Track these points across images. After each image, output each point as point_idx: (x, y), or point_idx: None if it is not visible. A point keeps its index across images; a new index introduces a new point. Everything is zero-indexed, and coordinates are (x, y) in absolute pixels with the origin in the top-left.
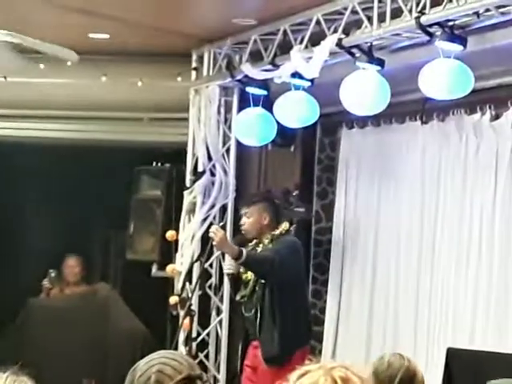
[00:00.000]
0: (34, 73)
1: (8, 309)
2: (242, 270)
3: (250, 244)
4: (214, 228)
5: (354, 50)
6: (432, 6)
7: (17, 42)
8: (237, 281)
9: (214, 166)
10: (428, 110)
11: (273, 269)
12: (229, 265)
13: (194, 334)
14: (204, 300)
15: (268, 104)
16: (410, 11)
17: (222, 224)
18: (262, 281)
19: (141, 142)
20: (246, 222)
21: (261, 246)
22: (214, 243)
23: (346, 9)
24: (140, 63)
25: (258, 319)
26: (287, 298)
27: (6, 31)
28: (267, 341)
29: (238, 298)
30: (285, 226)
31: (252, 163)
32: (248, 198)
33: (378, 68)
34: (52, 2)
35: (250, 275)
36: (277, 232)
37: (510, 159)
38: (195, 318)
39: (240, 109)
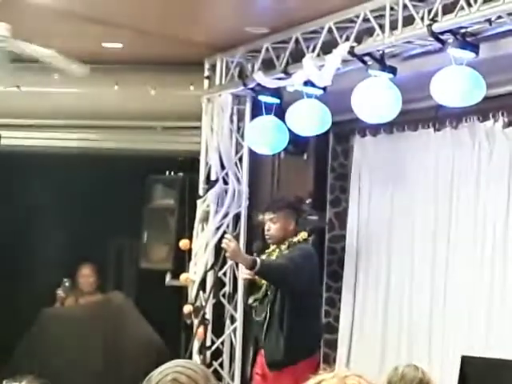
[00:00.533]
0: (48, 82)
1: (22, 318)
2: None
3: (267, 251)
4: (226, 239)
5: (366, 58)
6: (444, 14)
7: (27, 53)
8: (252, 285)
9: (226, 174)
10: (441, 118)
11: (286, 277)
12: (246, 274)
13: (208, 343)
14: (218, 308)
15: (280, 112)
16: (422, 19)
17: (235, 233)
18: None
19: (154, 150)
20: (273, 227)
21: (277, 251)
22: (226, 254)
23: (357, 17)
24: (153, 72)
25: (266, 323)
26: (298, 305)
27: (19, 40)
28: (272, 345)
29: (250, 301)
30: (303, 234)
31: (265, 172)
32: (273, 204)
33: (390, 76)
34: (65, 11)
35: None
36: (295, 239)
37: None
38: (209, 327)
39: (252, 117)
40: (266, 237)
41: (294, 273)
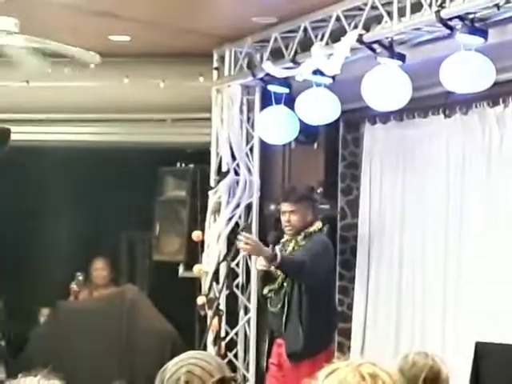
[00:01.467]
0: (56, 77)
1: (37, 312)
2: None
3: (282, 240)
4: (243, 238)
5: (375, 46)
6: (452, 0)
7: (40, 47)
8: (266, 275)
9: (237, 165)
10: (450, 104)
11: (304, 271)
12: (261, 265)
13: (222, 334)
14: (231, 299)
15: (290, 102)
16: (430, 5)
17: (245, 225)
18: None
19: (164, 142)
20: (293, 218)
21: (293, 242)
22: (245, 252)
23: (365, 4)
24: (161, 64)
25: (285, 315)
26: (315, 297)
27: (28, 36)
28: (292, 337)
29: (265, 291)
30: (318, 224)
31: (276, 161)
32: (293, 195)
33: (399, 63)
34: (72, 5)
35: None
36: (310, 229)
37: None
38: (223, 318)
39: (262, 107)
40: (287, 228)
41: (312, 268)
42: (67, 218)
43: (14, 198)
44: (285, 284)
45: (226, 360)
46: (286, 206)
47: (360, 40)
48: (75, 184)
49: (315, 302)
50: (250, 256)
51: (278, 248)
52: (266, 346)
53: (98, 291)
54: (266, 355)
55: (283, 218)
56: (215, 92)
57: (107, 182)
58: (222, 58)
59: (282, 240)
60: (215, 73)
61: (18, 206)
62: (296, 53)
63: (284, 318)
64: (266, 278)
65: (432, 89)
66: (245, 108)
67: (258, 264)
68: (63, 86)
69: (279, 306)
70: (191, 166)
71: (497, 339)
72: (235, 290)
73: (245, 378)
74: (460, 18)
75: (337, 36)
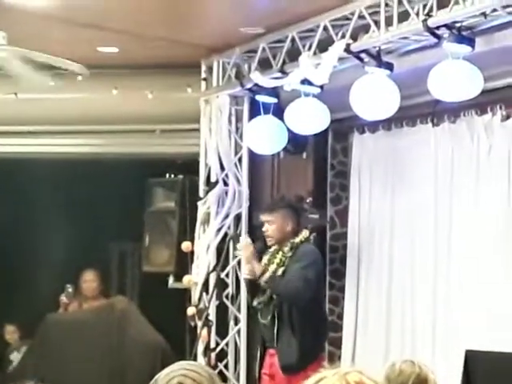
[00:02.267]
0: (45, 88)
1: (26, 324)
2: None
3: (270, 250)
4: (243, 242)
5: (363, 55)
6: (439, 9)
7: (28, 58)
8: (254, 286)
9: (226, 175)
10: (439, 112)
11: (295, 297)
12: (248, 270)
13: (212, 345)
14: (221, 310)
15: (278, 112)
16: (417, 14)
17: (236, 233)
18: None
19: (153, 153)
20: (270, 228)
21: (280, 253)
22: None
23: (353, 14)
24: (150, 75)
25: (276, 327)
26: (306, 309)
27: (17, 48)
28: (285, 349)
29: (255, 303)
30: (305, 233)
31: (265, 171)
32: (269, 205)
33: (387, 72)
34: (60, 17)
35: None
36: (297, 240)
37: None
38: (213, 328)
39: (251, 117)
40: (267, 238)
41: (305, 294)
42: (56, 230)
43: (2, 210)
44: (274, 297)
45: (217, 370)
46: (263, 217)
47: (348, 49)
48: (64, 196)
49: (306, 313)
50: (239, 266)
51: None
52: (258, 356)
53: (88, 303)
54: (259, 365)
55: (263, 229)
56: (203, 103)
57: (96, 194)
58: (210, 69)
59: (270, 250)
60: (203, 83)
61: (5, 218)
62: (284, 63)
63: (275, 330)
64: (253, 289)
65: (420, 97)
66: (233, 118)
67: (244, 272)
68: (51, 98)
69: (269, 317)
70: (180, 176)
71: (487, 347)
72: (225, 300)
73: None
74: (447, 26)
75: (324, 46)
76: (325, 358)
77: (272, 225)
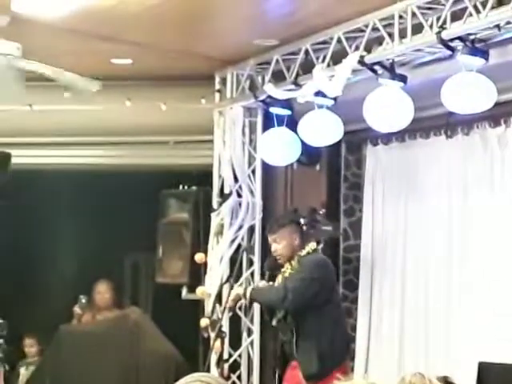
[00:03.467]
0: (59, 100)
1: (40, 336)
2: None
3: (282, 270)
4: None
5: (376, 67)
6: (453, 21)
7: (40, 72)
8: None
9: (240, 187)
10: (452, 124)
11: (286, 297)
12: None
13: (225, 356)
14: (235, 321)
15: (292, 123)
16: (431, 26)
17: (249, 245)
18: None
19: (167, 165)
20: (278, 248)
21: (289, 268)
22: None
23: (366, 26)
24: (164, 87)
25: (295, 341)
26: (320, 317)
27: (30, 60)
28: (305, 361)
29: (274, 322)
30: (312, 245)
31: (278, 183)
32: (273, 224)
33: (401, 84)
34: (73, 29)
35: None
36: (304, 252)
37: None
38: (226, 340)
39: (264, 129)
40: (277, 258)
41: (299, 291)
42: (70, 241)
43: (16, 221)
44: (287, 312)
45: (230, 382)
46: (269, 238)
47: (361, 62)
48: (78, 207)
49: (320, 322)
50: (253, 277)
51: (262, 282)
52: (278, 370)
53: (102, 314)
54: (278, 379)
55: (272, 249)
56: (217, 114)
57: (110, 205)
58: (223, 81)
59: (283, 269)
60: (217, 95)
61: (19, 230)
62: (298, 75)
63: (294, 345)
64: (270, 309)
65: (433, 110)
66: (247, 130)
67: (227, 303)
68: (65, 110)
69: (288, 333)
70: (194, 188)
71: (501, 359)
72: (238, 311)
73: None
74: (461, 39)
75: (338, 58)
76: (349, 365)
77: (280, 243)
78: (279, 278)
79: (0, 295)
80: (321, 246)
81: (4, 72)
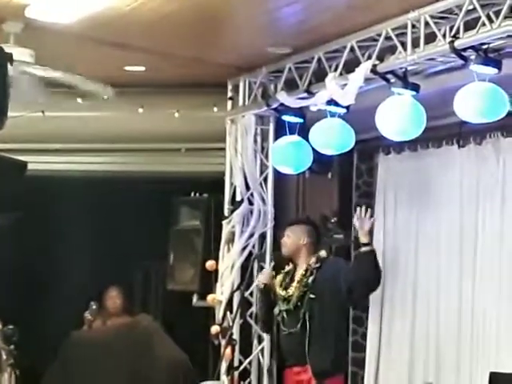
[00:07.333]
0: (72, 107)
1: (51, 341)
2: (278, 286)
3: (283, 271)
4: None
5: (389, 76)
6: (466, 30)
7: (53, 77)
8: (268, 295)
9: (251, 194)
10: (464, 134)
11: (379, 281)
12: (263, 278)
13: (235, 363)
14: (245, 329)
15: (304, 131)
16: (444, 36)
17: (261, 252)
18: (312, 296)
19: (179, 172)
20: (285, 240)
21: (297, 276)
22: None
23: (379, 35)
24: (176, 94)
25: (308, 334)
26: (336, 317)
27: (43, 66)
28: (318, 354)
29: (276, 312)
30: (322, 253)
31: (290, 191)
32: (293, 220)
33: (413, 93)
34: (87, 36)
35: (291, 291)
36: (316, 265)
37: None
38: (236, 347)
39: (276, 137)
40: (281, 246)
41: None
42: (82, 247)
43: (29, 227)
44: (304, 303)
45: None
46: (285, 230)
47: (374, 70)
48: (90, 213)
49: (336, 323)
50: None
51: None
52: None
53: (112, 320)
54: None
55: (282, 241)
56: (229, 122)
57: (122, 212)
58: (236, 88)
59: (283, 270)
60: (229, 103)
61: (31, 236)
62: (310, 83)
63: (307, 338)
64: (268, 298)
65: (446, 119)
66: (259, 138)
67: (258, 281)
68: (78, 116)
69: (298, 326)
70: (205, 195)
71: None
72: (249, 319)
73: None
74: (474, 48)
75: (351, 66)
76: (344, 378)
77: (289, 238)
78: (279, 278)
79: (11, 301)
80: (332, 254)
81: (18, 78)
